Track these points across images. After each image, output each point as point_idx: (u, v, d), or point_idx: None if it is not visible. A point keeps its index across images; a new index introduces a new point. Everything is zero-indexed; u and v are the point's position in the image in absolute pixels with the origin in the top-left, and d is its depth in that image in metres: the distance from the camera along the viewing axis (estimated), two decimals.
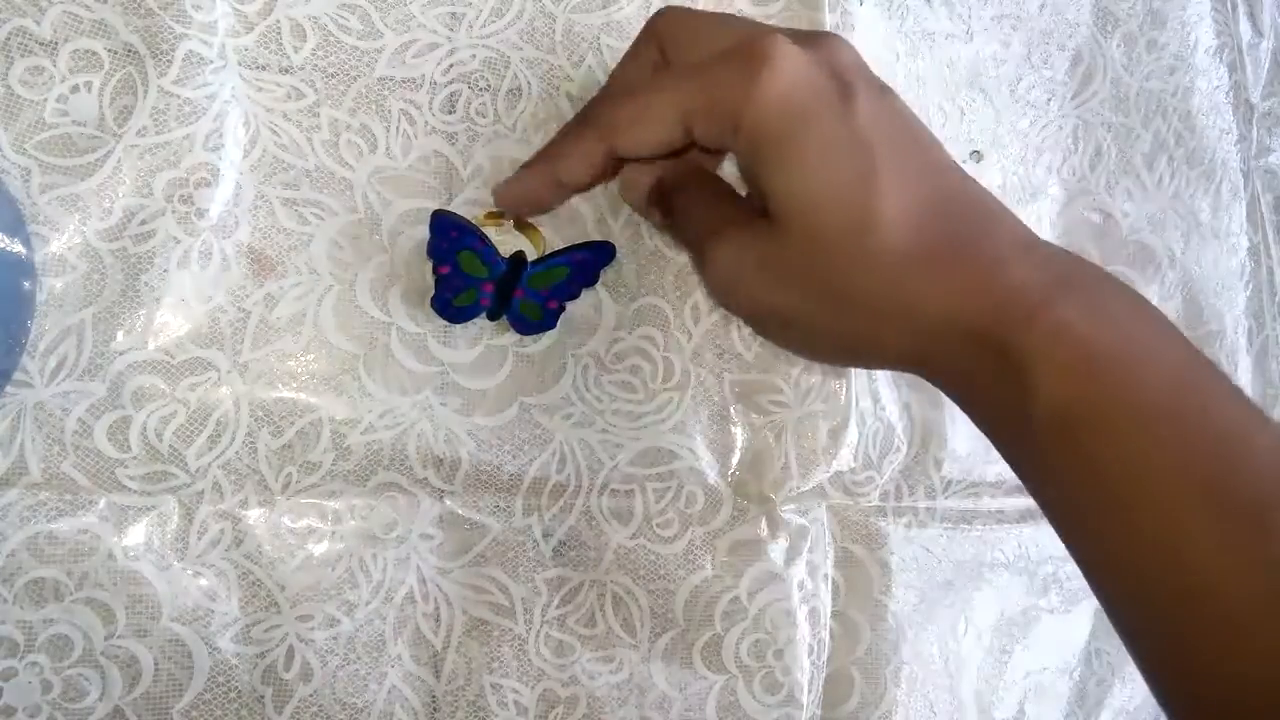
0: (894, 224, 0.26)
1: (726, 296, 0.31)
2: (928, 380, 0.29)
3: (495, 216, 0.36)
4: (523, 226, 0.36)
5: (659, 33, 0.32)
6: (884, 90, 0.29)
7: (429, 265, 0.36)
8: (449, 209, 0.35)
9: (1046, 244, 0.28)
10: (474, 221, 0.34)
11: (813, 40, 0.28)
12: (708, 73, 0.28)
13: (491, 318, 0.36)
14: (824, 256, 0.27)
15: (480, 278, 0.34)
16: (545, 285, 0.35)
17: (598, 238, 0.38)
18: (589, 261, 0.35)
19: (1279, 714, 0.22)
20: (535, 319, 0.36)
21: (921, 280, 0.26)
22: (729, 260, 0.30)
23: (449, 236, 0.33)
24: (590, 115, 0.34)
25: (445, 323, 0.36)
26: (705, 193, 0.33)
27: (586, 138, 0.31)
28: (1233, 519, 0.22)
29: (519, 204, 0.34)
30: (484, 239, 0.33)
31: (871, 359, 0.30)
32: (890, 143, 0.27)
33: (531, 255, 0.35)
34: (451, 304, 0.35)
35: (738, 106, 0.27)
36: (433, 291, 0.35)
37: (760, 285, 0.29)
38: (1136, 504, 0.23)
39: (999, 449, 0.27)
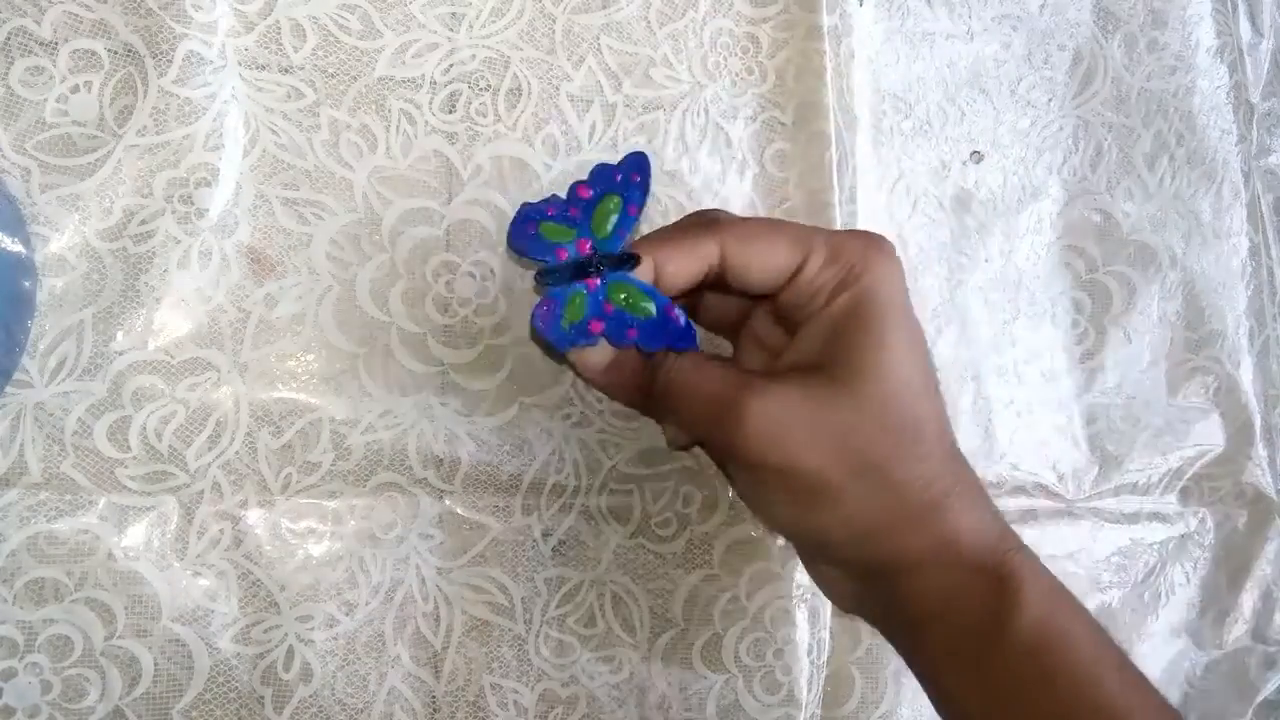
0: (938, 426, 0.30)
1: (767, 448, 0.29)
2: (885, 582, 0.30)
3: None
4: None
5: (726, 228, 0.31)
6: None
7: (429, 265, 0.36)
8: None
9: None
10: None
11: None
12: (832, 233, 0.30)
13: (542, 276, 0.30)
14: (877, 429, 0.29)
15: (593, 232, 0.30)
16: (619, 303, 0.30)
17: None
18: (674, 327, 0.30)
19: None
20: (568, 325, 0.30)
21: (966, 489, 0.30)
22: (777, 411, 0.29)
23: (628, 174, 0.30)
24: (711, 216, 0.31)
25: (444, 314, 0.35)
26: (710, 359, 0.31)
27: (705, 235, 0.30)
28: None
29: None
30: (641, 210, 0.30)
31: (867, 538, 0.30)
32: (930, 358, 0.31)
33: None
34: (542, 223, 0.30)
35: (865, 267, 0.29)
36: (514, 227, 0.30)
37: (806, 442, 0.29)
38: (1091, 708, 0.27)
39: (940, 672, 0.30)
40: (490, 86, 0.37)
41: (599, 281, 0.30)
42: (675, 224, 0.32)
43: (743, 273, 0.30)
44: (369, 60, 0.36)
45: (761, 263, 0.30)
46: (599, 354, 0.31)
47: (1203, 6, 0.49)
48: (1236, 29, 0.50)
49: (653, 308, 0.29)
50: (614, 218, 0.30)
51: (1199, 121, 0.49)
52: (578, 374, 0.33)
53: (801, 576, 0.39)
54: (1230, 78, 0.50)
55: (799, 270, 0.30)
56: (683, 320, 0.30)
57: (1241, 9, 0.50)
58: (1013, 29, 0.46)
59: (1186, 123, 0.49)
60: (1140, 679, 0.29)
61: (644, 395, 0.32)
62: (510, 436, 0.36)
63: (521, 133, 0.37)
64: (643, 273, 0.30)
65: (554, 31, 0.38)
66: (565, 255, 0.30)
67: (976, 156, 0.45)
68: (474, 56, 0.37)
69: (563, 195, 0.31)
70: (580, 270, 0.30)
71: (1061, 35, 0.47)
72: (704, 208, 0.34)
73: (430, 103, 0.37)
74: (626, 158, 0.30)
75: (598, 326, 0.29)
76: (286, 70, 0.35)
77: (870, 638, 0.41)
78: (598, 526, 0.37)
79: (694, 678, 0.38)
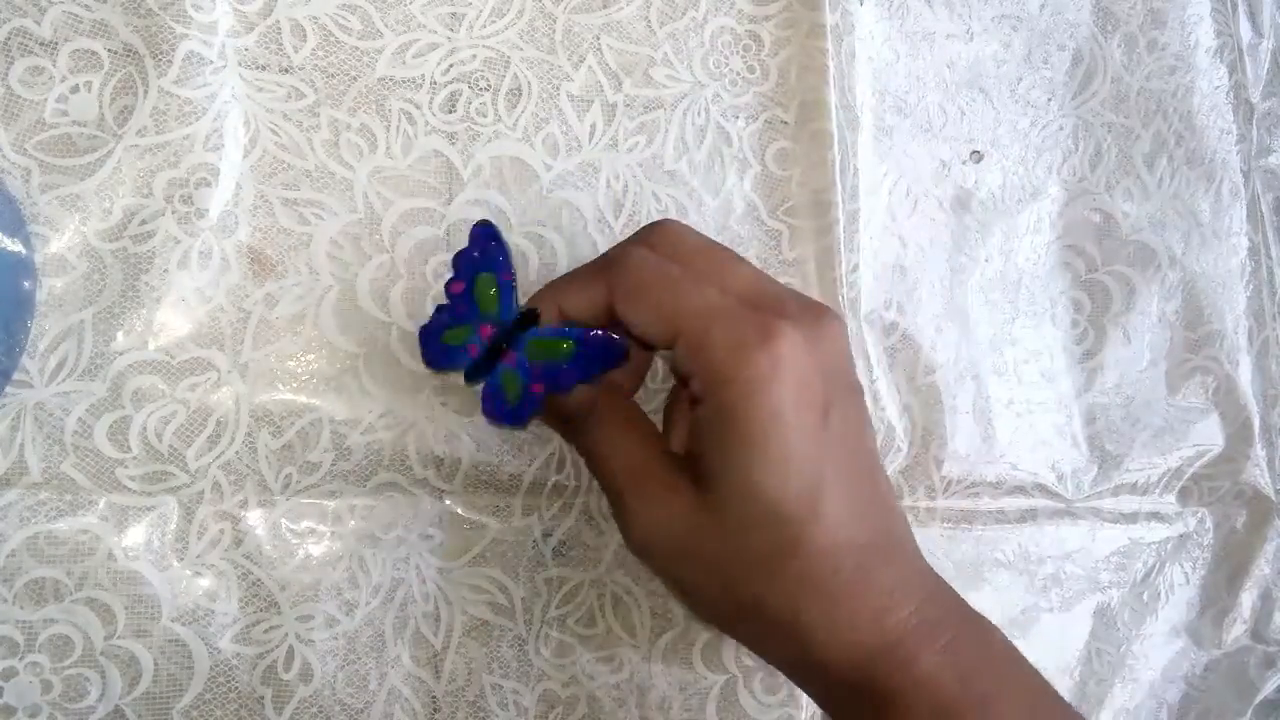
0: (816, 555, 0.28)
1: (643, 555, 0.31)
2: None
3: None
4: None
5: (655, 238, 0.30)
6: (854, 396, 0.30)
7: (429, 265, 0.36)
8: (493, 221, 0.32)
9: (932, 576, 0.30)
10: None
11: (816, 330, 0.28)
12: (717, 315, 0.28)
13: (468, 377, 0.32)
14: (742, 551, 0.28)
15: (484, 315, 0.31)
16: (541, 358, 0.31)
17: (599, 240, 0.38)
18: (598, 350, 0.30)
19: None
20: (511, 399, 0.31)
21: (820, 616, 0.28)
22: (650, 523, 0.29)
23: (484, 247, 0.31)
24: (609, 256, 0.31)
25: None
26: (630, 430, 0.32)
27: (598, 281, 0.30)
28: None
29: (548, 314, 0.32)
30: (513, 272, 0.31)
31: (757, 655, 0.32)
32: (845, 470, 0.28)
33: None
34: (441, 337, 0.32)
35: (730, 375, 0.27)
36: (429, 318, 0.33)
37: (674, 556, 0.29)
38: None
39: None
40: (490, 86, 0.37)
41: (515, 353, 0.31)
42: (586, 263, 0.32)
43: (631, 326, 0.30)
44: (369, 60, 0.36)
45: (639, 328, 0.29)
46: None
47: (1202, 6, 0.49)
48: (1236, 29, 0.50)
49: (570, 345, 0.30)
50: (493, 291, 0.31)
51: (1199, 121, 0.49)
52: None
53: None
54: (1230, 77, 0.50)
55: (676, 355, 0.29)
56: (602, 342, 0.30)
57: (1241, 9, 0.50)
58: (1012, 29, 0.46)
59: (1186, 123, 0.49)
60: None
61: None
62: (510, 436, 0.36)
63: (521, 133, 0.37)
64: (547, 319, 0.31)
65: (554, 31, 0.38)
66: (476, 350, 0.31)
67: (976, 156, 0.45)
68: (474, 56, 0.37)
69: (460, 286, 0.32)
70: (494, 353, 0.31)
71: (1061, 35, 0.47)
72: (673, 217, 0.33)
73: (430, 103, 0.37)
74: (472, 232, 0.32)
75: (539, 388, 0.31)
76: (286, 70, 0.35)
77: None
78: (598, 527, 0.37)
79: (694, 678, 0.38)
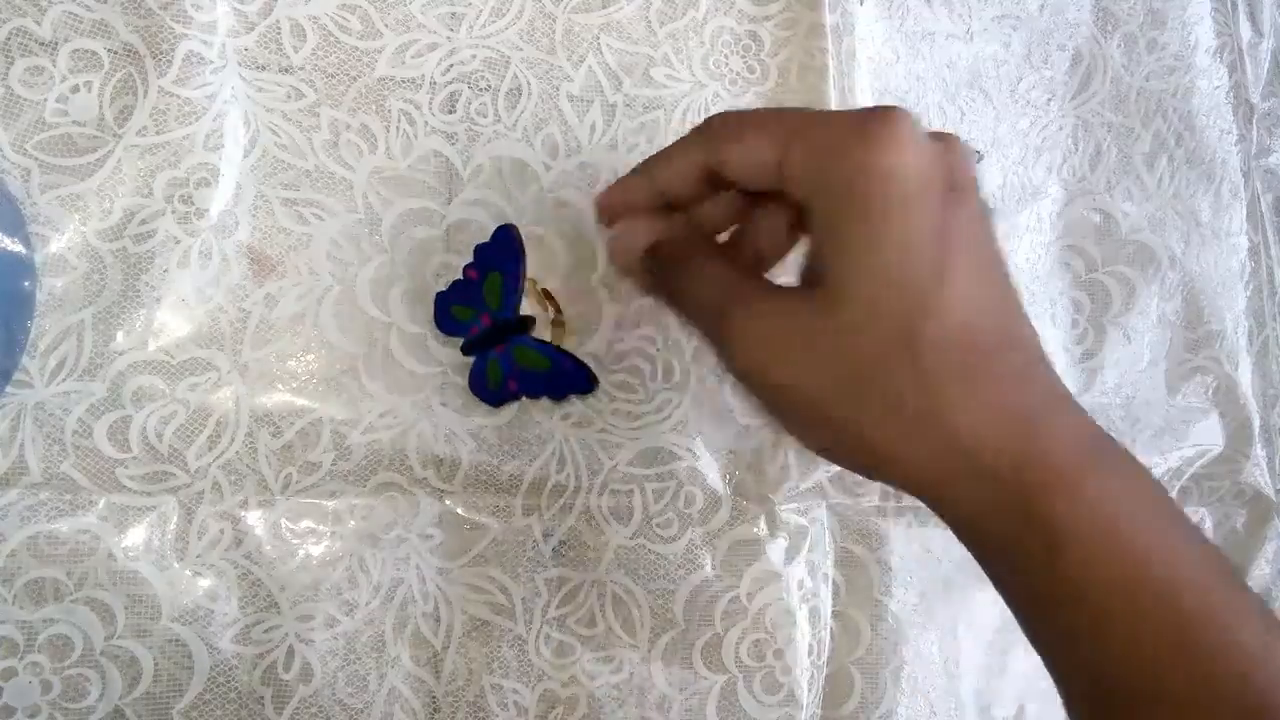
0: (944, 336, 0.25)
1: (752, 370, 0.28)
2: (931, 509, 0.28)
3: (549, 298, 0.36)
4: (559, 323, 0.36)
5: (714, 132, 0.29)
6: (984, 205, 0.28)
7: (429, 265, 0.36)
8: (516, 227, 0.35)
9: (1077, 405, 0.27)
10: (528, 280, 0.35)
11: (944, 136, 0.28)
12: (827, 117, 0.27)
13: (463, 350, 0.35)
14: (865, 343, 0.26)
15: (488, 308, 0.35)
16: (522, 363, 0.35)
17: (599, 240, 0.38)
18: (568, 375, 0.35)
19: None
20: (492, 386, 0.35)
21: (956, 403, 0.25)
22: (762, 331, 0.27)
23: (503, 249, 0.34)
24: (696, 129, 0.31)
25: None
26: (720, 260, 0.30)
27: (690, 146, 0.30)
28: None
29: (616, 208, 0.32)
30: (521, 280, 0.34)
31: (864, 461, 0.29)
32: (970, 257, 0.26)
33: (539, 336, 0.36)
34: (451, 309, 0.35)
35: (843, 158, 0.26)
36: (439, 290, 0.35)
37: (793, 361, 0.27)
38: (1149, 695, 0.24)
39: (996, 585, 0.27)
40: (490, 86, 0.37)
41: (504, 348, 0.35)
42: (665, 148, 0.31)
43: (732, 173, 0.29)
44: (369, 60, 0.36)
45: (743, 165, 0.28)
46: (638, 238, 0.31)
47: (1202, 6, 0.49)
48: (1236, 29, 0.50)
49: (547, 364, 0.35)
50: (499, 290, 0.35)
51: (1198, 121, 0.49)
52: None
53: (802, 576, 0.39)
54: (1230, 78, 0.50)
55: (785, 165, 0.28)
56: (574, 368, 0.35)
57: (1241, 9, 0.50)
58: (1012, 29, 0.46)
59: (1186, 123, 0.49)
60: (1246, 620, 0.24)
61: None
62: (510, 436, 0.36)
63: (521, 133, 0.37)
64: (620, 192, 0.32)
65: (554, 31, 0.38)
66: (475, 331, 0.35)
67: (976, 156, 0.45)
68: (474, 56, 0.37)
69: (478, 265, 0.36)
70: (489, 340, 0.35)
71: (1061, 35, 0.47)
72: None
73: (430, 103, 0.37)
74: (494, 234, 0.35)
75: (514, 384, 0.35)
76: (286, 70, 0.35)
77: (870, 638, 0.41)
78: (598, 527, 0.37)
79: (694, 678, 0.38)
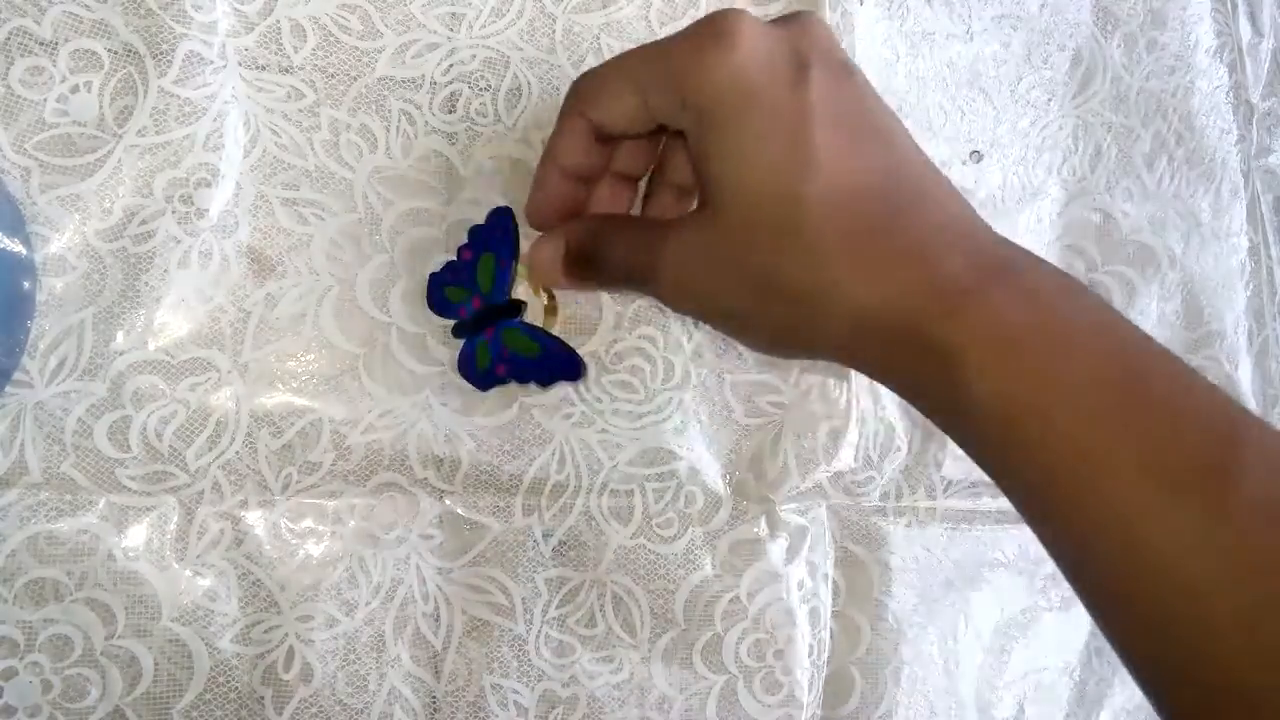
0: (820, 209, 0.26)
1: (681, 300, 0.30)
2: (860, 372, 0.29)
3: (552, 299, 0.36)
4: (551, 310, 0.36)
5: (581, 96, 0.31)
6: (845, 69, 0.28)
7: (429, 265, 0.36)
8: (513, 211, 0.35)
9: (986, 230, 0.27)
10: (522, 265, 0.34)
11: (783, 19, 0.28)
12: (667, 44, 0.28)
13: (454, 332, 0.35)
14: (751, 241, 0.27)
15: (479, 289, 0.34)
16: (512, 347, 0.34)
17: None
18: (557, 360, 0.34)
19: (1246, 687, 0.21)
20: (480, 368, 0.35)
21: (845, 269, 0.26)
22: (677, 262, 0.29)
23: (497, 231, 0.34)
24: (566, 96, 0.32)
25: (440, 320, 0.36)
26: (626, 224, 0.32)
27: (567, 116, 0.31)
28: (1177, 490, 0.22)
29: (545, 212, 0.33)
30: (514, 263, 0.34)
31: (802, 350, 0.30)
32: (834, 125, 0.26)
33: (530, 320, 0.35)
34: (444, 288, 0.35)
35: (686, 79, 0.27)
36: (428, 295, 0.35)
37: (706, 278, 0.28)
38: (1081, 487, 0.23)
39: (950, 436, 0.27)
40: (490, 86, 0.37)
41: (494, 331, 0.34)
42: (560, 109, 0.32)
43: (613, 129, 0.30)
44: (369, 60, 0.36)
45: (612, 114, 0.29)
46: (549, 250, 0.32)
47: (1202, 6, 0.49)
48: (1236, 29, 0.50)
49: (537, 349, 0.34)
50: (491, 273, 0.34)
51: (1198, 121, 0.49)
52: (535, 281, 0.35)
53: (802, 576, 0.39)
54: (1230, 77, 0.50)
55: (649, 106, 0.28)
56: (563, 354, 0.34)
57: (1241, 9, 0.50)
58: (1012, 29, 0.46)
59: (1186, 123, 0.49)
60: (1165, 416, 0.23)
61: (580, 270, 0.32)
62: (510, 436, 0.36)
63: (521, 133, 0.37)
64: (537, 192, 0.33)
65: (554, 31, 0.38)
66: (465, 313, 0.35)
67: (976, 156, 0.45)
68: (474, 56, 0.37)
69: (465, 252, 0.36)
70: (479, 323, 0.34)
71: (1061, 35, 0.47)
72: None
73: (430, 103, 0.37)
74: (489, 215, 0.35)
75: (502, 369, 0.34)
76: (286, 70, 0.35)
77: (870, 638, 0.41)
78: (598, 527, 0.37)
79: (694, 678, 0.38)
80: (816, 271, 0.26)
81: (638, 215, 0.35)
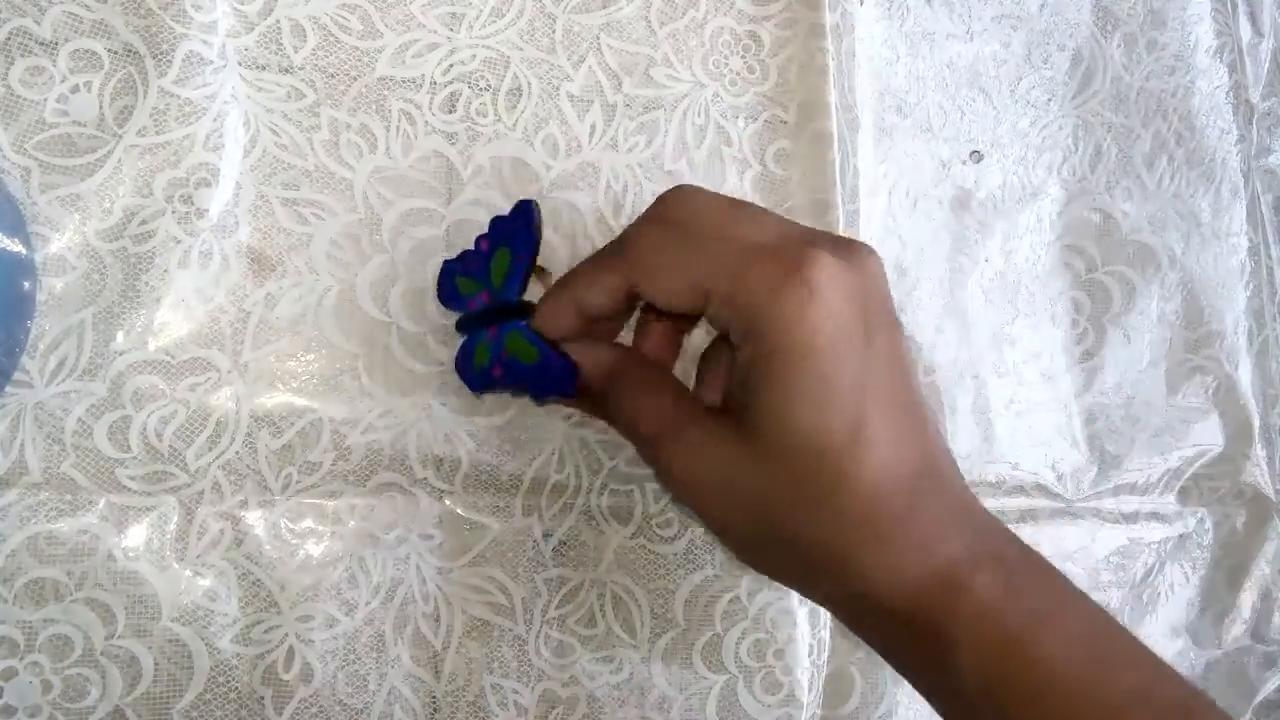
0: (859, 486, 0.27)
1: (685, 499, 0.30)
2: (854, 634, 0.30)
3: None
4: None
5: (669, 210, 0.30)
6: (898, 327, 0.29)
7: (429, 265, 0.36)
8: (539, 207, 0.33)
9: (981, 512, 0.29)
10: (539, 268, 0.33)
11: (852, 259, 0.28)
12: (744, 262, 0.27)
13: (457, 326, 0.34)
14: (781, 485, 0.27)
15: (491, 283, 0.33)
16: (512, 350, 0.33)
17: (599, 240, 0.38)
18: (553, 372, 0.32)
19: None
20: (477, 369, 0.34)
21: (866, 546, 0.27)
22: (689, 462, 0.29)
23: (518, 225, 0.33)
24: (616, 246, 0.31)
25: (441, 320, 0.36)
26: (656, 385, 0.31)
27: (612, 269, 0.30)
28: None
29: (546, 328, 0.32)
30: (530, 263, 0.33)
31: (793, 585, 0.32)
32: (890, 400, 0.27)
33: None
34: (456, 277, 0.34)
35: (760, 315, 0.27)
36: (439, 283, 0.35)
37: (715, 495, 0.29)
38: None
39: (932, 704, 0.29)
40: (490, 86, 0.37)
41: (497, 331, 0.33)
42: (596, 252, 0.32)
43: (661, 305, 0.29)
44: (369, 60, 0.36)
45: (665, 300, 0.29)
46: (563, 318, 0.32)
47: (1202, 6, 0.49)
48: (1236, 29, 0.50)
49: (535, 355, 0.32)
50: (506, 269, 0.33)
51: (1198, 121, 0.49)
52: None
53: None
54: (1230, 77, 0.50)
55: (706, 307, 0.28)
56: (561, 367, 0.32)
57: (1241, 9, 0.50)
58: (1012, 29, 0.46)
59: (1186, 123, 0.49)
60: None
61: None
62: (510, 436, 0.36)
63: (521, 133, 0.37)
64: (548, 315, 0.32)
65: (554, 31, 0.38)
66: (474, 306, 0.34)
67: (976, 156, 0.45)
68: (474, 56, 0.37)
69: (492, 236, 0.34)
70: (485, 319, 0.33)
71: (1061, 35, 0.47)
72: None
73: (430, 103, 0.37)
74: (514, 208, 0.33)
75: (498, 371, 0.33)
76: (286, 70, 0.35)
77: None
78: (598, 527, 0.37)
79: (694, 678, 0.38)
80: (838, 537, 0.27)
81: (658, 367, 0.34)
